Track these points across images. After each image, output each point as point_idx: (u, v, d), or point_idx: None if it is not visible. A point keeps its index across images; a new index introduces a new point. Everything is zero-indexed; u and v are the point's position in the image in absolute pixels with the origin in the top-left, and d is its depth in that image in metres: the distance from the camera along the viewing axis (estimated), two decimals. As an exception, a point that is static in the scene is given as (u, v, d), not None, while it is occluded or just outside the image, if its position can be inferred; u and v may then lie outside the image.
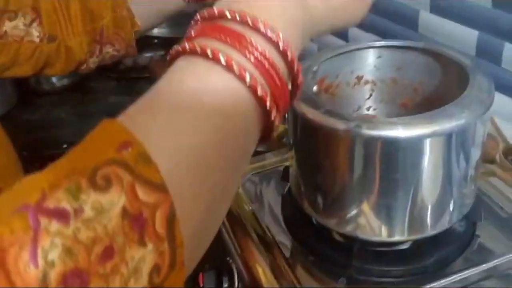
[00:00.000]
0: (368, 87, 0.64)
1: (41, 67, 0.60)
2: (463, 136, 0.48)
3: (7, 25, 0.56)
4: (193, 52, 0.28)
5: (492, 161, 0.68)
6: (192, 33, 0.30)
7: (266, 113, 0.29)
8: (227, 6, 0.30)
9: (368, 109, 0.65)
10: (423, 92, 0.61)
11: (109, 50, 0.62)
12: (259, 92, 0.28)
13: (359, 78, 0.63)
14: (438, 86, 0.60)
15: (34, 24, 0.57)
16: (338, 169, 0.50)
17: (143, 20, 0.61)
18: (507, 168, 0.66)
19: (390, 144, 0.46)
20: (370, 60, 0.62)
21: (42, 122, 1.10)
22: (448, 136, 0.47)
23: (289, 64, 0.30)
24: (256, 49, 0.29)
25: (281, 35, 0.29)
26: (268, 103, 0.29)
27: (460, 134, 0.47)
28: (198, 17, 0.31)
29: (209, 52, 0.28)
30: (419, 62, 0.59)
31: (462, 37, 0.66)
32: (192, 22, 0.31)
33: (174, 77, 0.28)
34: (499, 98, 0.63)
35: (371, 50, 0.61)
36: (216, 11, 0.30)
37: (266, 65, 0.29)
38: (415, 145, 0.47)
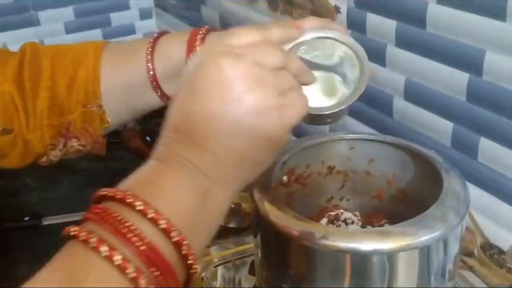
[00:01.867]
0: (340, 177, 0.61)
1: None
2: (441, 245, 0.45)
3: None
4: (79, 240, 0.30)
5: (469, 255, 0.65)
6: (88, 215, 0.32)
7: None
8: (126, 188, 0.33)
9: (341, 199, 0.62)
10: (397, 185, 0.59)
11: (74, 144, 0.58)
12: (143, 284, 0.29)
13: (331, 168, 0.60)
14: (411, 180, 0.58)
15: None
16: (303, 277, 0.46)
17: (114, 117, 0.57)
18: (485, 262, 0.64)
19: (360, 258, 0.43)
20: (342, 151, 0.60)
21: (4, 189, 1.05)
22: (423, 249, 0.44)
23: (179, 252, 0.32)
24: (141, 239, 0.31)
25: (168, 222, 0.31)
26: None
27: (437, 244, 0.45)
28: (97, 194, 0.33)
29: (92, 241, 0.30)
30: (391, 156, 0.57)
31: (437, 127, 0.64)
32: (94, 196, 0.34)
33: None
34: (476, 192, 0.61)
35: (343, 141, 0.59)
36: (113, 193, 0.32)
37: (150, 254, 0.30)
38: (388, 257, 0.44)
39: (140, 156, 1.00)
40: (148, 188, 0.33)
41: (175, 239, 0.31)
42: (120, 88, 0.56)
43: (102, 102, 0.56)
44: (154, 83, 0.54)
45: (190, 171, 0.35)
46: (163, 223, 0.31)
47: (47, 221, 0.91)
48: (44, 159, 0.59)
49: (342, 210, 0.60)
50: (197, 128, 0.36)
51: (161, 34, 0.56)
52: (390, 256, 0.44)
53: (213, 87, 0.36)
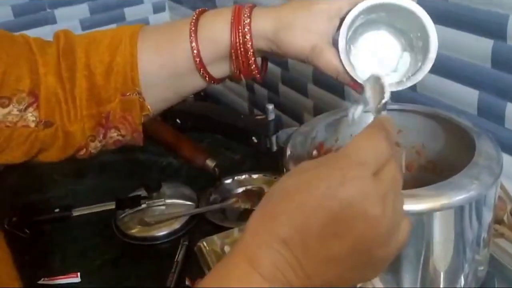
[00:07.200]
0: (369, 149, 0.62)
1: (35, 153, 0.55)
2: (474, 207, 0.46)
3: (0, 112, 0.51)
4: None
5: (499, 222, 0.65)
6: None
7: None
8: None
9: (369, 171, 0.63)
10: (426, 155, 0.60)
11: (113, 134, 0.56)
12: None
13: (360, 141, 0.61)
14: (441, 149, 0.58)
15: (30, 109, 0.52)
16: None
17: (155, 103, 0.56)
18: (516, 229, 0.64)
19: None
20: (370, 122, 0.60)
21: (32, 184, 1.07)
22: (458, 209, 0.45)
23: None
24: None
25: None
26: None
27: (471, 205, 0.45)
28: None
29: None
30: (420, 126, 0.58)
31: (462, 96, 0.64)
32: None
33: None
34: (505, 159, 0.61)
35: (370, 113, 0.60)
36: None
37: None
38: (424, 219, 0.44)
39: (161, 145, 1.00)
40: None
41: None
42: (162, 74, 0.54)
43: (141, 88, 0.54)
44: (200, 67, 0.53)
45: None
46: None
47: (77, 212, 0.92)
48: (83, 151, 0.57)
49: (372, 181, 0.61)
50: (309, 261, 0.34)
51: (201, 12, 0.54)
52: (427, 217, 0.44)
53: (361, 241, 0.34)
